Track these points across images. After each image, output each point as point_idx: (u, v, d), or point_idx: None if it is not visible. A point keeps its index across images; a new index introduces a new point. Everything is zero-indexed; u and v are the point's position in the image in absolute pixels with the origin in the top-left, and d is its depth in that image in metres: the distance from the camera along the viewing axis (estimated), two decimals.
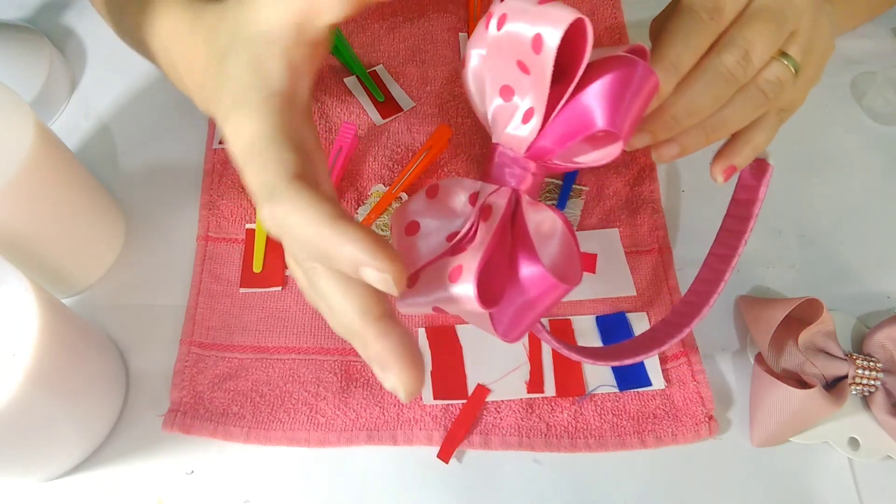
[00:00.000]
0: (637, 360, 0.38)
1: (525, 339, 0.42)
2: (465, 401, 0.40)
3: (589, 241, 0.45)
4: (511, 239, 0.28)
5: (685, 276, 0.45)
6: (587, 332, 0.43)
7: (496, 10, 0.27)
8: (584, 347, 0.39)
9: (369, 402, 0.40)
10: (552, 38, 0.24)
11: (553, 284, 0.27)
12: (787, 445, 0.40)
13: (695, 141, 0.33)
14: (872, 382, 0.39)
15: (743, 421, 0.41)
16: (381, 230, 0.45)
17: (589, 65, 0.26)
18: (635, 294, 0.44)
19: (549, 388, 0.41)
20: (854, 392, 0.39)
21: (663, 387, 0.41)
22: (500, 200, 0.28)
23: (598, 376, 0.41)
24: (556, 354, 0.41)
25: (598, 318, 0.43)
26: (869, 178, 0.49)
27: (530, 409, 0.40)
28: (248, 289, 0.44)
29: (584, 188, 0.47)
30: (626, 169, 0.48)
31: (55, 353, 0.33)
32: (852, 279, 0.45)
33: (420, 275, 0.28)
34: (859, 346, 0.42)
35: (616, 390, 0.41)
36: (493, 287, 0.27)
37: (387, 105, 0.50)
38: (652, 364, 0.41)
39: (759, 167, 0.36)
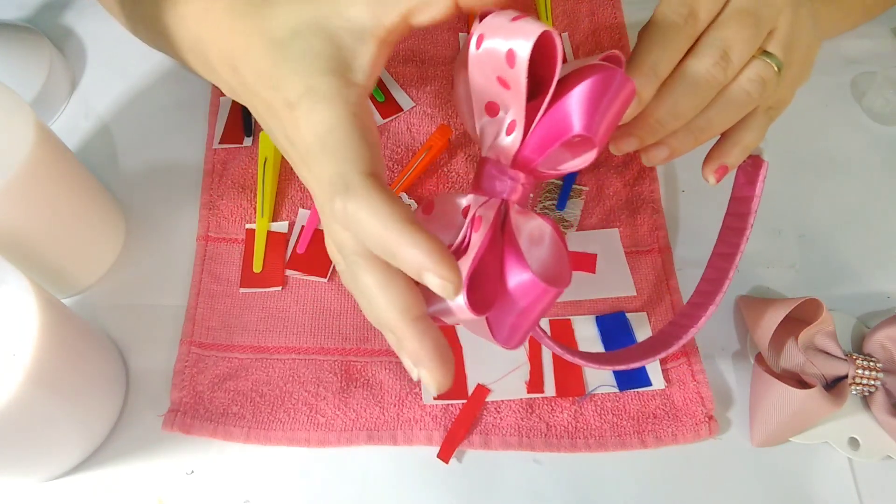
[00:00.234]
0: (644, 363, 0.38)
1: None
2: (465, 401, 0.40)
3: (589, 241, 0.45)
4: (501, 247, 0.29)
5: (685, 276, 0.45)
6: (587, 332, 0.43)
7: (475, 31, 0.28)
8: (591, 353, 0.39)
9: (369, 402, 0.40)
10: (523, 50, 0.26)
11: (544, 289, 0.28)
12: (787, 445, 0.40)
13: (683, 143, 0.33)
14: (872, 382, 0.39)
15: (743, 421, 0.41)
16: None
17: (569, 74, 0.28)
18: (635, 294, 0.44)
19: (549, 388, 0.41)
20: (854, 392, 0.39)
21: (663, 387, 0.41)
22: (489, 211, 0.29)
23: (598, 376, 0.41)
24: (556, 354, 0.41)
25: (597, 318, 0.43)
26: (869, 178, 0.49)
27: (530, 409, 0.40)
28: (248, 289, 0.44)
29: (584, 188, 0.47)
30: (626, 169, 0.48)
31: (55, 353, 0.33)
32: (852, 279, 0.45)
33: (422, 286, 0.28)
34: (859, 346, 0.42)
35: (616, 390, 0.41)
36: (484, 294, 0.28)
37: (387, 105, 0.50)
38: (652, 364, 0.41)
39: (754, 164, 0.36)
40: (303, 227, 0.45)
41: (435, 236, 0.25)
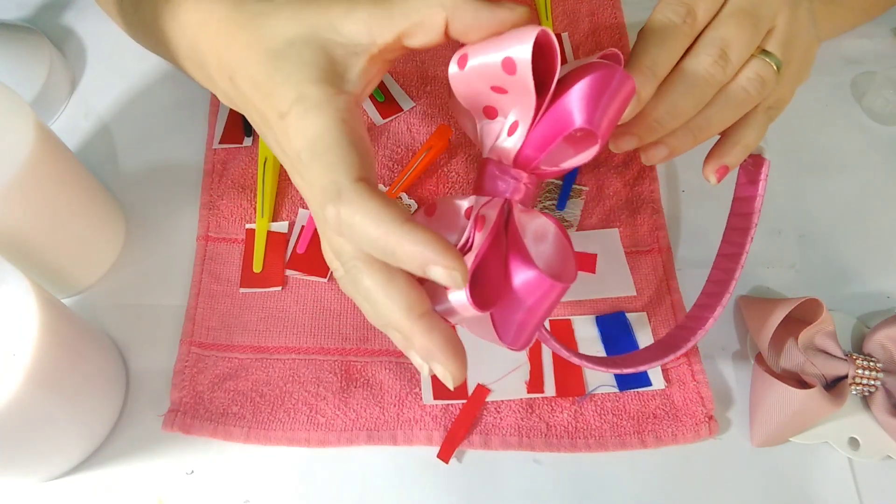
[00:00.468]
0: (653, 366, 0.38)
1: None
2: (465, 401, 0.40)
3: (589, 241, 0.45)
4: (505, 246, 0.29)
5: (685, 276, 0.45)
6: (587, 332, 0.43)
7: (458, 53, 0.29)
8: (599, 357, 0.39)
9: (369, 402, 0.40)
10: (523, 53, 0.26)
11: (550, 285, 0.28)
12: (787, 445, 0.40)
13: (682, 142, 0.33)
14: (872, 382, 0.39)
15: (743, 421, 0.41)
16: None
17: (568, 74, 0.28)
18: (635, 294, 0.44)
19: (549, 388, 0.41)
20: (854, 392, 0.39)
21: (663, 387, 0.41)
22: (492, 211, 0.29)
23: (598, 376, 0.41)
24: (556, 354, 0.41)
25: (597, 318, 0.43)
26: (869, 178, 0.49)
27: (530, 409, 0.40)
28: (248, 289, 0.44)
29: (584, 188, 0.47)
30: (626, 169, 0.48)
31: (55, 353, 0.33)
32: (852, 279, 0.45)
33: (424, 286, 0.28)
34: (859, 346, 0.42)
35: (616, 390, 0.41)
36: (487, 291, 0.28)
37: (387, 105, 0.50)
38: None
39: (756, 163, 0.37)
40: (303, 227, 0.45)
41: (433, 230, 0.25)
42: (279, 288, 0.44)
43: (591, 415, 0.40)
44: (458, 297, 0.27)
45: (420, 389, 0.41)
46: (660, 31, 0.31)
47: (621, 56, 0.30)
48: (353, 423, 0.40)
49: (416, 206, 0.46)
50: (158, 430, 0.39)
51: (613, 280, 0.44)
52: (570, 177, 0.47)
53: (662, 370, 0.41)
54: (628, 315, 0.43)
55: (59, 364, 0.34)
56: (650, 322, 0.43)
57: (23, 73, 0.49)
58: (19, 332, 0.32)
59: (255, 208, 0.46)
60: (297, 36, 0.28)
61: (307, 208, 0.46)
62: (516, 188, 0.30)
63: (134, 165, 0.49)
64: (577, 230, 0.46)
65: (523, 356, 0.42)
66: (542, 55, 0.27)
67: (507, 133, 0.29)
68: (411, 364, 0.39)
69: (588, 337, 0.43)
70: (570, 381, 0.41)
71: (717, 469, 0.39)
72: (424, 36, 0.28)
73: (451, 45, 0.29)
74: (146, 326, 0.43)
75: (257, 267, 0.44)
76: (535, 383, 0.41)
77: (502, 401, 0.40)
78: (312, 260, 0.44)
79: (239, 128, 0.49)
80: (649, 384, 0.41)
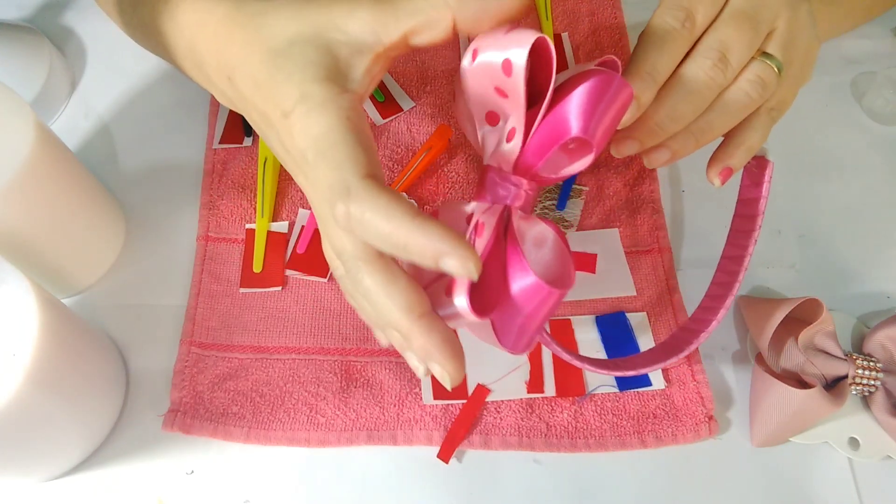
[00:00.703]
0: (656, 368, 0.38)
1: None
2: (465, 401, 0.40)
3: (589, 241, 0.45)
4: (504, 252, 0.29)
5: (685, 276, 0.45)
6: (587, 332, 0.43)
7: (470, 47, 0.29)
8: (603, 360, 0.39)
9: (369, 402, 0.40)
10: (519, 58, 0.26)
11: (548, 292, 0.28)
12: (787, 445, 0.40)
13: (684, 145, 0.33)
14: (872, 382, 0.39)
15: (743, 421, 0.41)
16: None
17: (567, 81, 0.28)
18: (635, 294, 0.44)
19: (549, 388, 0.41)
20: (854, 392, 0.39)
21: (663, 387, 0.41)
22: (492, 217, 0.29)
23: (598, 376, 0.41)
24: (555, 354, 0.41)
25: (597, 318, 0.43)
26: (869, 178, 0.49)
27: (530, 409, 0.40)
28: (248, 289, 0.44)
29: (584, 188, 0.47)
30: (626, 169, 0.48)
31: (55, 353, 0.33)
32: (852, 279, 0.45)
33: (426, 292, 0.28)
34: (859, 346, 0.42)
35: (616, 390, 0.41)
36: (486, 297, 0.28)
37: (387, 105, 0.50)
38: None
39: (759, 165, 0.37)
40: (303, 227, 0.45)
41: (443, 223, 0.25)
42: (279, 288, 0.44)
43: (591, 415, 0.40)
44: (459, 302, 0.27)
45: (420, 389, 0.41)
46: (659, 36, 0.31)
47: (619, 63, 0.30)
48: (353, 423, 0.40)
49: (415, 206, 0.46)
50: (158, 430, 0.39)
51: (613, 280, 0.44)
52: (570, 177, 0.47)
53: (662, 370, 0.41)
54: (628, 315, 0.43)
55: (59, 364, 0.34)
56: (650, 322, 0.43)
57: (23, 73, 0.49)
58: (19, 332, 0.32)
59: (255, 208, 0.46)
60: (298, 35, 0.28)
61: (307, 208, 0.46)
62: (517, 195, 0.30)
63: (134, 165, 0.49)
64: (577, 230, 0.46)
65: (523, 356, 0.42)
66: (542, 62, 0.27)
67: (507, 139, 0.29)
68: None
69: (588, 337, 0.43)
70: (570, 381, 0.41)
71: (717, 469, 0.39)
72: (431, 34, 0.28)
73: (451, 45, 0.29)
74: (146, 326, 0.43)
75: (257, 267, 0.44)
76: (535, 383, 0.41)
77: (502, 401, 0.40)
78: (312, 260, 0.44)
79: (239, 128, 0.49)
80: (649, 384, 0.41)
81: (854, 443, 0.40)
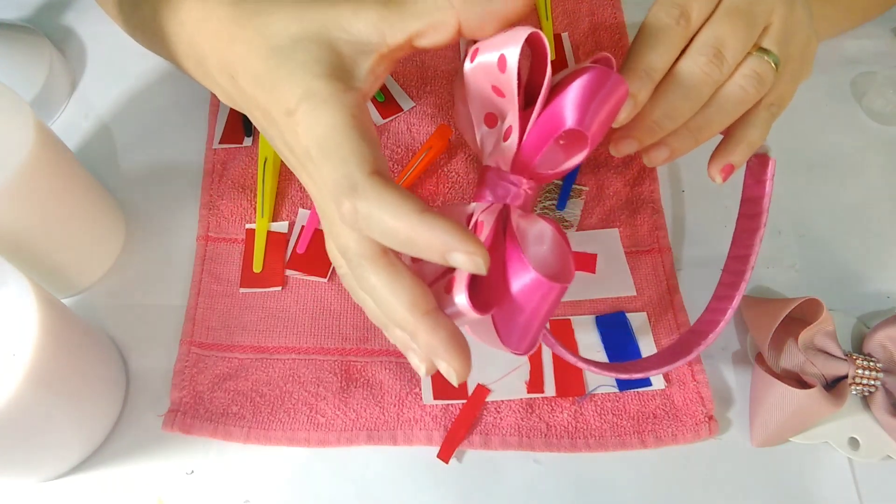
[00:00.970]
0: (666, 370, 0.38)
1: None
2: (465, 401, 0.40)
3: (589, 241, 0.45)
4: (503, 250, 0.29)
5: (685, 276, 0.45)
6: (587, 332, 0.43)
7: (471, 48, 0.29)
8: (611, 364, 0.39)
9: (369, 402, 0.40)
10: (512, 54, 0.27)
11: (549, 287, 0.28)
12: (787, 445, 0.40)
13: (683, 143, 0.33)
14: (872, 382, 0.39)
15: (743, 421, 0.41)
16: None
17: (564, 78, 0.28)
18: (635, 294, 0.44)
19: (549, 388, 0.41)
20: (854, 392, 0.39)
21: (663, 387, 0.41)
22: (491, 216, 0.29)
23: (598, 376, 0.41)
24: (556, 354, 0.41)
25: (597, 318, 0.43)
26: (869, 178, 0.49)
27: (530, 409, 0.40)
28: (248, 289, 0.44)
29: (584, 188, 0.47)
30: (626, 169, 0.48)
31: (55, 353, 0.33)
32: (852, 279, 0.45)
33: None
34: (859, 346, 0.42)
35: (616, 390, 0.41)
36: (487, 294, 0.28)
37: (387, 105, 0.50)
38: None
39: (761, 162, 0.36)
40: (303, 227, 0.45)
41: (452, 219, 0.25)
42: (279, 288, 0.44)
43: (591, 415, 0.40)
44: (459, 300, 0.27)
45: (420, 389, 0.41)
46: (654, 34, 0.31)
47: (613, 60, 0.30)
48: (352, 423, 0.40)
49: (422, 201, 0.46)
50: (158, 430, 0.39)
51: (613, 280, 0.44)
52: (570, 177, 0.47)
53: None
54: (628, 315, 0.43)
55: (59, 364, 0.34)
56: (650, 322, 0.43)
57: (23, 73, 0.49)
58: (19, 332, 0.32)
59: (255, 208, 0.46)
60: (302, 33, 0.28)
61: (307, 208, 0.46)
62: (516, 194, 0.30)
63: (134, 165, 0.49)
64: (577, 230, 0.46)
65: (523, 357, 0.41)
66: (539, 61, 0.27)
67: (504, 138, 0.29)
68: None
69: (588, 337, 0.43)
70: (570, 381, 0.41)
71: (717, 469, 0.39)
72: (436, 36, 0.28)
73: (452, 45, 0.29)
74: (146, 326, 0.43)
75: (257, 267, 0.44)
76: (535, 383, 0.41)
77: (502, 401, 0.40)
78: (312, 260, 0.44)
79: (239, 128, 0.49)
80: (649, 384, 0.41)
81: (854, 443, 0.40)
